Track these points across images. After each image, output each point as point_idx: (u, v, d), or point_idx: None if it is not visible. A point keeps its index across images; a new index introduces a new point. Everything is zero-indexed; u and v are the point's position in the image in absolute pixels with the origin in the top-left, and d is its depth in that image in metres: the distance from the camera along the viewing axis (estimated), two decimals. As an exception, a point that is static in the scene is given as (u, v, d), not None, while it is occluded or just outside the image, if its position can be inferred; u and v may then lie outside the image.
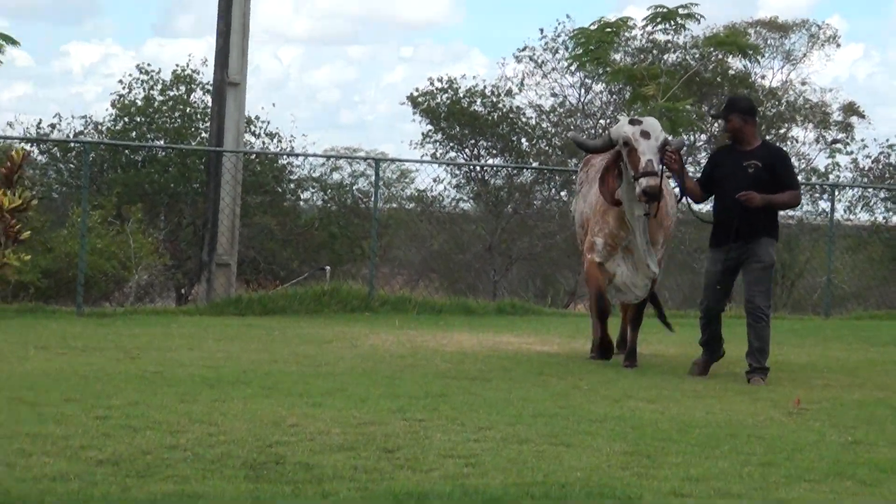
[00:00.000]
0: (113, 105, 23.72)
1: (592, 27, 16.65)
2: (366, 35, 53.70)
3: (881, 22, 53.33)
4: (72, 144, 22.29)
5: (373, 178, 17.49)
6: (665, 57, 24.22)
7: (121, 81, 24.08)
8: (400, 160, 27.73)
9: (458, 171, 26.07)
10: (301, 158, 24.41)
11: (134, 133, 23.06)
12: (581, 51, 16.54)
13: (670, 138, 9.18)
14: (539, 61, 26.09)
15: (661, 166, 8.81)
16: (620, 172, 8.96)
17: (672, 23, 16.64)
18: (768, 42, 30.02)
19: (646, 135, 8.83)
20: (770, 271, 8.89)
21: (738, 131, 8.88)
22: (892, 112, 44.41)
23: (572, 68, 21.70)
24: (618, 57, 20.94)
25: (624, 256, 9.22)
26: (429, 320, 14.39)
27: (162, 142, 22.71)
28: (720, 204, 8.97)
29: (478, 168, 25.92)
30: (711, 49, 20.04)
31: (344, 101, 48.09)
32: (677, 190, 9.40)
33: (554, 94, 26.37)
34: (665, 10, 16.45)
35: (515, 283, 27.14)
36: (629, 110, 17.38)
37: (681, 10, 16.41)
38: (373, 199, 17.75)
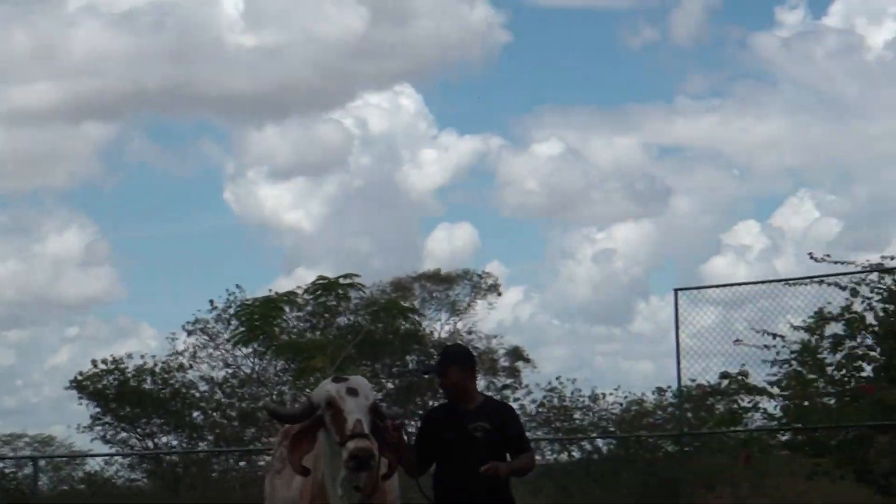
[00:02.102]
0: None
1: (257, 303, 16.62)
2: (25, 318, 51.95)
3: (537, 264, 56.22)
4: None
5: (41, 465, 16.71)
6: (337, 320, 24.41)
7: None
8: (55, 456, 26.57)
9: (131, 450, 25.31)
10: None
11: None
12: (245, 328, 16.41)
13: (385, 406, 7.64)
14: (211, 333, 25.88)
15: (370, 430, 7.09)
16: (315, 439, 7.23)
17: (336, 293, 16.78)
18: (434, 295, 30.93)
19: (353, 392, 7.14)
20: None
21: (458, 387, 7.57)
22: (554, 350, 46.59)
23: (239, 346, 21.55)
24: (290, 322, 20.98)
25: None
26: None
27: None
28: (446, 479, 7.53)
29: (151, 446, 25.21)
30: (377, 310, 20.33)
31: (4, 387, 45.93)
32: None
33: (227, 365, 26.10)
34: (326, 281, 16.58)
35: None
36: (296, 383, 17.30)
37: (342, 281, 16.60)
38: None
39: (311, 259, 48.04)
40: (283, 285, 52.50)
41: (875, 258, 16.73)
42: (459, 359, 7.67)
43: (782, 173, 56.86)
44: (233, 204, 48.35)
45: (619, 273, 48.97)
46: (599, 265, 49.19)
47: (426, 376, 20.34)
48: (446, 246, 49.18)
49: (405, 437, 7.43)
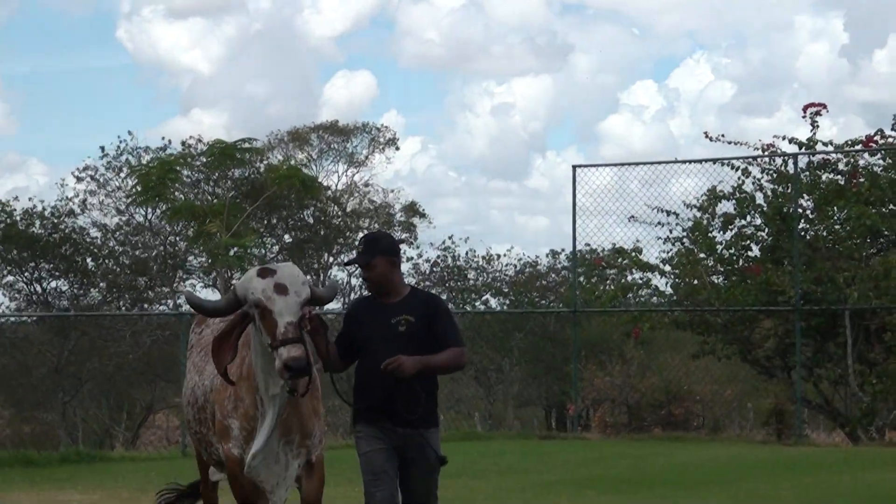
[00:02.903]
0: None
1: (152, 165, 16.29)
2: None
3: (435, 115, 56.07)
4: None
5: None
6: (232, 172, 24.11)
7: None
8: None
9: (17, 295, 25.03)
10: None
11: None
12: (140, 188, 16.11)
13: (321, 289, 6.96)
14: (101, 181, 25.39)
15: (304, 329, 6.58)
16: (237, 343, 6.68)
17: (233, 159, 16.52)
18: (331, 146, 30.66)
19: (282, 289, 6.53)
20: (439, 470, 6.92)
21: (385, 280, 6.89)
22: (450, 202, 46.86)
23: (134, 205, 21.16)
24: (185, 175, 20.62)
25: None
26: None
27: None
28: (364, 375, 6.95)
29: (39, 290, 24.95)
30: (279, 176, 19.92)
31: None
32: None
33: (120, 212, 25.70)
34: (223, 144, 16.27)
35: (87, 401, 26.40)
36: (194, 246, 17.07)
37: (240, 145, 16.33)
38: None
39: (208, 101, 47.27)
40: (179, 126, 51.76)
41: (767, 137, 16.85)
42: (386, 248, 6.93)
43: (681, 35, 57.04)
44: (126, 43, 47.16)
45: (518, 128, 49.12)
46: (498, 119, 49.24)
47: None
48: (344, 94, 48.72)
49: (323, 328, 6.76)
